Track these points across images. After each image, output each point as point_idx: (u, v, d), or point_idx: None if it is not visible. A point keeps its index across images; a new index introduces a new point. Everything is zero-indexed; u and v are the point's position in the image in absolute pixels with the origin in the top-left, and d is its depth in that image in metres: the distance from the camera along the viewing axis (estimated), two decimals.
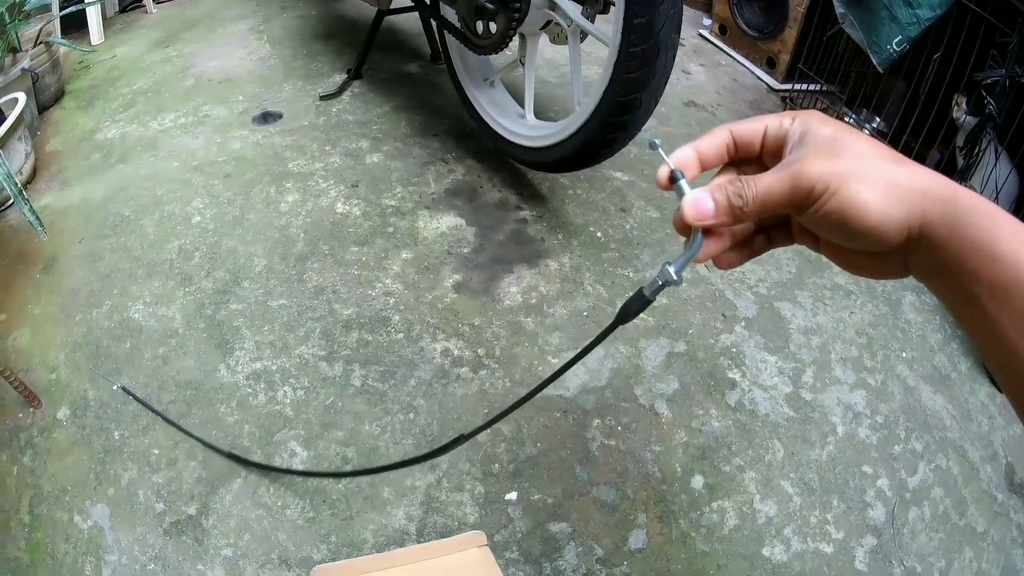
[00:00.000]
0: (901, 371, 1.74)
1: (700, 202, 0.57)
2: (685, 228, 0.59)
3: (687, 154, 0.59)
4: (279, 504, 1.46)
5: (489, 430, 1.53)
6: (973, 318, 0.50)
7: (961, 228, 0.49)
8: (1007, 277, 0.47)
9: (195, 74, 2.90)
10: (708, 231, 0.59)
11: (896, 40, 2.05)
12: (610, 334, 0.69)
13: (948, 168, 2.04)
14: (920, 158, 2.10)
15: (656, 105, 1.73)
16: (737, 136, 0.59)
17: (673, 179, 0.58)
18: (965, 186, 1.50)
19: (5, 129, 2.13)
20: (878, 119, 2.41)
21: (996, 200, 1.84)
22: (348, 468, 1.51)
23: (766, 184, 0.53)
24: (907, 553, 1.43)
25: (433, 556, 1.22)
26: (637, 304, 0.66)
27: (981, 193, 1.82)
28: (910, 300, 1.94)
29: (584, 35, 1.84)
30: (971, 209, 0.50)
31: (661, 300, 1.81)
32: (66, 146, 2.53)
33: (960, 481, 1.56)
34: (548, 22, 1.91)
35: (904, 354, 1.79)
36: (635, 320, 1.65)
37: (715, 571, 1.37)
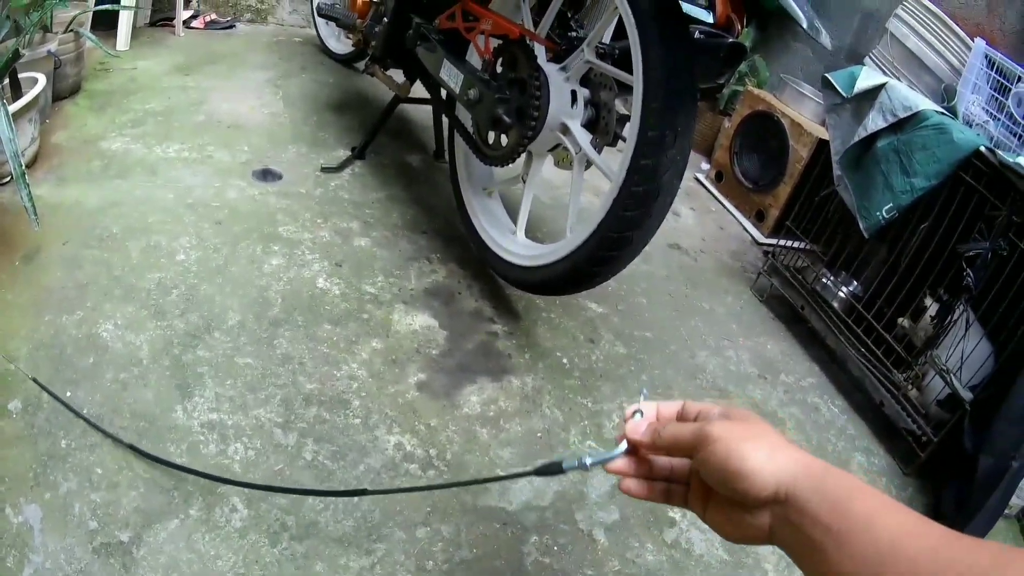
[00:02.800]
0: None
1: (637, 424, 0.86)
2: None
3: (652, 407, 0.89)
4: (212, 554, 1.54)
5: (429, 527, 1.66)
6: (819, 565, 0.65)
7: (823, 490, 0.67)
8: (854, 530, 0.62)
9: (207, 111, 3.08)
10: (633, 452, 0.87)
11: (887, 207, 2.22)
12: (519, 477, 1.00)
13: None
14: (891, 325, 2.30)
15: (645, 246, 1.91)
16: (686, 407, 0.87)
17: (633, 413, 0.89)
18: (931, 354, 1.71)
19: (21, 105, 2.25)
20: (855, 283, 2.61)
21: (960, 369, 2.03)
22: (286, 538, 1.62)
23: (680, 427, 0.80)
24: None
25: None
26: (553, 468, 0.93)
27: (946, 361, 2.04)
28: (859, 460, 2.12)
29: (588, 164, 2.04)
30: (836, 479, 0.69)
31: (614, 433, 1.97)
32: (70, 144, 2.66)
33: None
34: (557, 145, 2.12)
35: None
36: (586, 447, 1.81)
37: None
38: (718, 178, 3.37)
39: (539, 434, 1.93)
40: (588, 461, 0.87)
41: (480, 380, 2.05)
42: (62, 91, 2.95)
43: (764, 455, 0.71)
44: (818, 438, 2.13)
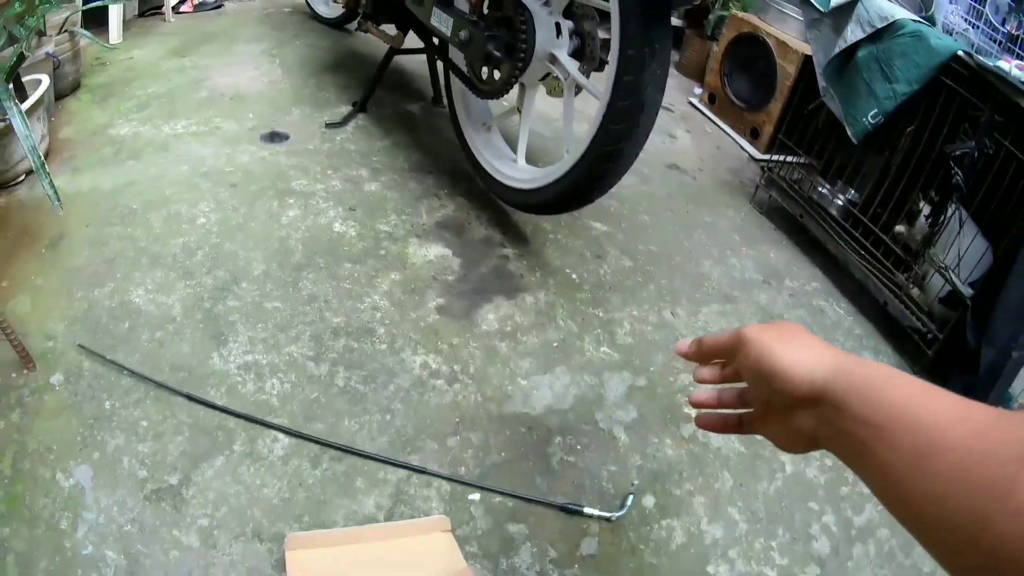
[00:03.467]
0: None
1: (684, 340, 0.88)
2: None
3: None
4: (258, 483, 1.63)
5: (459, 436, 1.74)
6: (864, 461, 0.60)
7: (856, 383, 0.63)
8: (891, 419, 0.57)
9: (208, 87, 3.12)
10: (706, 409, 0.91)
11: (872, 113, 2.27)
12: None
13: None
14: (888, 229, 2.33)
15: (636, 158, 1.97)
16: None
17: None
18: (929, 252, 1.74)
19: (30, 104, 2.30)
20: (852, 191, 2.64)
21: (958, 267, 2.07)
22: (326, 459, 1.69)
23: (719, 334, 0.81)
24: None
25: (400, 536, 1.41)
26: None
27: (945, 258, 2.07)
28: (868, 359, 2.13)
29: (578, 90, 2.09)
30: (868, 369, 0.65)
31: (627, 339, 2.04)
32: (79, 136, 2.72)
33: None
34: (547, 74, 2.16)
35: None
36: (600, 352, 1.87)
37: None
38: (711, 100, 3.39)
39: (555, 344, 1.99)
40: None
41: (496, 299, 2.11)
42: (63, 89, 2.99)
43: (795, 354, 0.70)
44: (826, 338, 2.14)
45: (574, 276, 2.22)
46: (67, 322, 1.92)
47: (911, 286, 2.21)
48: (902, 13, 2.25)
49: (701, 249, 2.46)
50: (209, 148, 2.67)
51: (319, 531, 1.39)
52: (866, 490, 1.68)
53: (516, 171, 2.28)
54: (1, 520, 1.52)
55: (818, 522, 1.69)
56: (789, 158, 2.76)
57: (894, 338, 2.21)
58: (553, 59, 2.06)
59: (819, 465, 1.81)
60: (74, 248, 2.15)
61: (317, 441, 1.70)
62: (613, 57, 1.83)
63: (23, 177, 2.42)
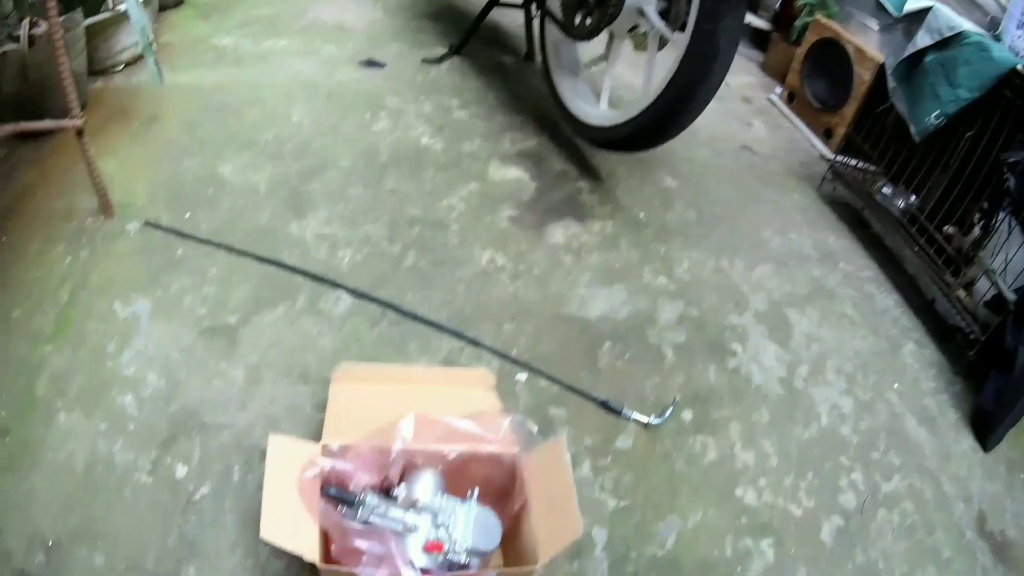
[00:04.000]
0: (890, 397, 1.93)
1: None
2: None
3: None
4: (314, 333, 1.70)
5: (515, 323, 1.79)
6: None
7: None
8: None
9: (311, 17, 3.21)
10: None
11: (935, 114, 2.30)
12: None
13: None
14: (942, 229, 2.32)
15: (707, 103, 2.03)
16: None
17: None
18: (978, 256, 1.72)
19: None
20: (913, 196, 2.64)
21: (1004, 272, 2.07)
22: (384, 323, 1.75)
23: None
24: (871, 546, 1.57)
25: (446, 381, 1.46)
26: None
27: (992, 262, 2.08)
28: (911, 348, 2.13)
29: (662, 44, 2.16)
30: None
31: (684, 276, 2.07)
32: (181, 43, 2.81)
33: (932, 506, 1.69)
34: (634, 27, 2.23)
35: (895, 386, 1.97)
36: (658, 281, 1.91)
37: (689, 492, 1.56)
38: (790, 99, 3.41)
39: (616, 266, 2.04)
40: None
41: (565, 220, 2.17)
42: (167, 2, 3.06)
43: None
44: (873, 321, 2.18)
45: (641, 215, 2.27)
46: (151, 183, 2.01)
47: (959, 287, 2.21)
48: (968, 25, 2.30)
49: (763, 220, 2.48)
50: (308, 64, 2.76)
51: (368, 364, 1.44)
52: (897, 459, 1.77)
53: (598, 111, 2.34)
54: (45, 339, 1.58)
55: (847, 477, 1.69)
56: (859, 163, 2.77)
57: (938, 335, 2.20)
58: (641, 13, 2.12)
59: (853, 427, 1.81)
60: (167, 128, 2.25)
61: (381, 302, 1.77)
62: (693, 9, 1.91)
63: (122, 67, 2.52)
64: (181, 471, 1.41)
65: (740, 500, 1.58)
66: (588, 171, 2.44)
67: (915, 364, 2.08)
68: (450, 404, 1.33)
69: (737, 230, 2.37)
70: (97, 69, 2.45)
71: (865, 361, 2.01)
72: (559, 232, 2.12)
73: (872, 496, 1.67)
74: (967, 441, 1.90)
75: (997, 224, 2.16)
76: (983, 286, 2.18)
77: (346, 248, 1.92)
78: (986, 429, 1.92)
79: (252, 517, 1.06)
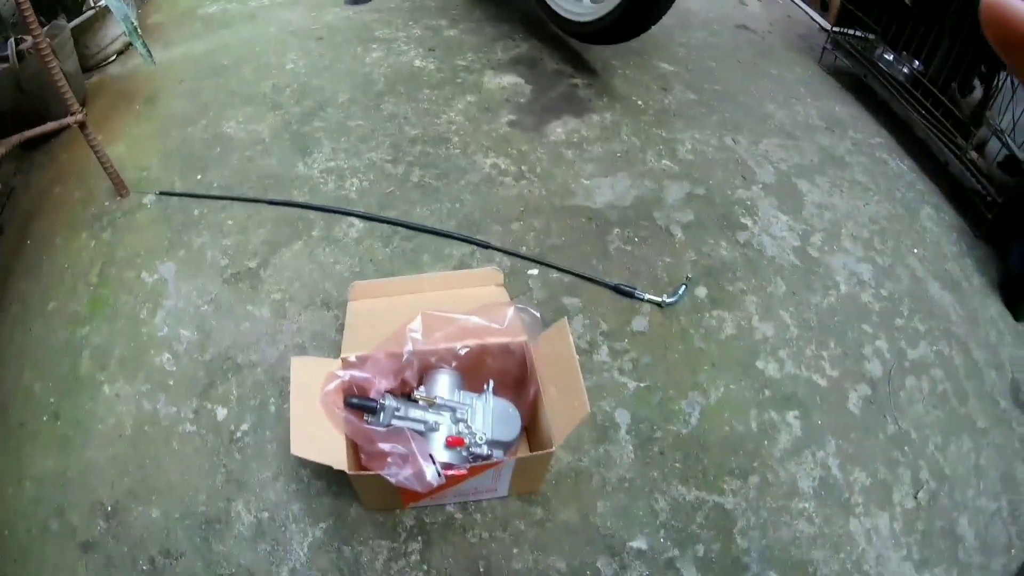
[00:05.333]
0: (911, 262, 1.80)
1: None
2: None
3: None
4: (331, 261, 1.64)
5: (522, 222, 1.71)
6: None
7: None
8: None
9: None
10: None
11: None
12: None
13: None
14: (946, 91, 2.15)
15: None
16: None
17: None
18: (985, 115, 1.55)
19: None
20: (916, 62, 2.47)
21: (1012, 132, 1.90)
22: (396, 239, 1.69)
23: None
24: (902, 415, 1.48)
25: (456, 284, 1.39)
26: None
27: (1000, 122, 1.92)
28: (928, 212, 1.99)
29: None
30: None
31: (688, 156, 1.96)
32: (168, 19, 2.72)
33: (962, 373, 1.58)
34: None
35: (916, 251, 1.84)
36: (661, 164, 1.80)
37: (709, 368, 1.48)
38: None
39: (618, 154, 1.93)
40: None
41: (564, 117, 2.05)
42: None
43: None
44: (887, 186, 2.04)
45: (639, 103, 2.14)
46: (161, 155, 1.96)
47: (970, 149, 2.06)
48: None
49: (765, 94, 2.33)
50: (295, 13, 2.65)
51: (382, 279, 1.38)
52: (922, 326, 1.62)
53: (581, 7, 2.19)
54: (82, 321, 1.57)
55: (871, 344, 1.58)
56: (858, 32, 2.59)
57: (955, 199, 2.05)
58: None
59: (874, 293, 1.69)
60: (168, 100, 2.18)
61: (390, 221, 1.71)
62: None
63: (114, 57, 2.44)
64: (221, 413, 1.41)
65: (762, 373, 1.50)
66: (582, 67, 2.30)
67: (935, 228, 1.95)
68: (462, 305, 1.27)
69: (740, 107, 2.22)
70: (91, 65, 2.39)
71: (882, 227, 1.88)
72: (559, 129, 2.01)
73: (899, 364, 1.57)
74: (995, 307, 1.79)
75: (1000, 84, 1.99)
76: (995, 147, 2.01)
77: (352, 177, 1.84)
78: (1017, 297, 1.79)
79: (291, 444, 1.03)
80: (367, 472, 1.08)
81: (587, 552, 1.23)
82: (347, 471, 1.07)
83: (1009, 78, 1.94)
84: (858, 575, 1.26)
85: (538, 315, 1.21)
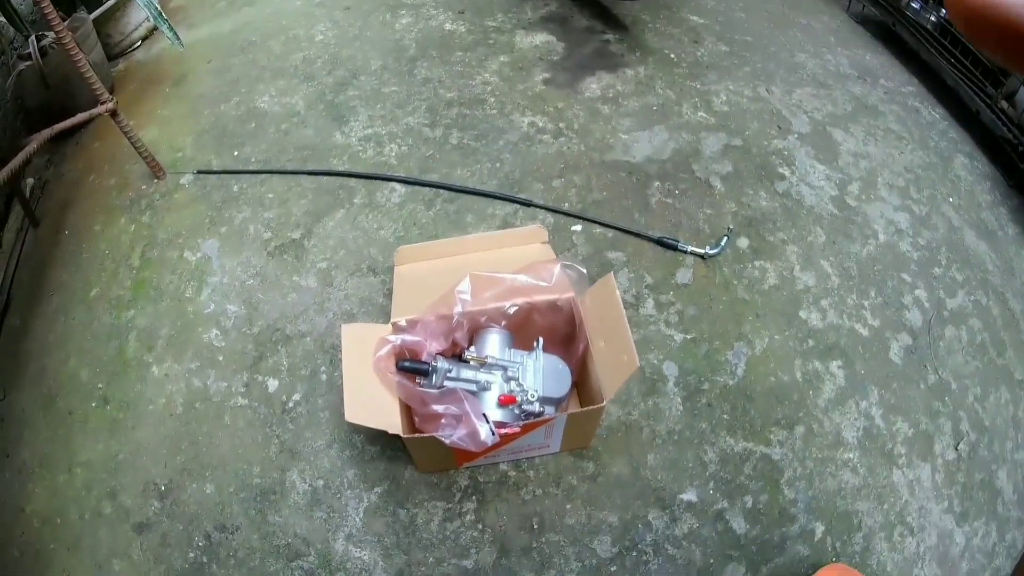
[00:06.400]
0: (946, 211, 1.70)
1: None
2: None
3: None
4: (375, 227, 1.59)
5: (563, 179, 1.63)
6: None
7: None
8: None
9: None
10: None
11: None
12: None
13: None
14: None
15: None
16: None
17: None
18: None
19: None
20: (944, 10, 2.32)
21: None
22: (439, 202, 1.63)
23: None
24: (942, 365, 1.41)
25: (501, 244, 1.32)
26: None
27: None
28: (962, 160, 1.88)
29: None
30: None
31: (723, 108, 1.86)
32: (190, 1, 2.61)
33: (999, 323, 1.51)
34: None
35: (951, 199, 1.74)
36: (697, 116, 1.71)
37: (753, 319, 1.41)
38: None
39: (654, 108, 1.84)
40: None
41: (598, 73, 1.96)
42: None
43: None
44: (920, 135, 1.93)
45: (672, 56, 2.04)
46: (195, 135, 1.90)
47: (1001, 99, 1.93)
48: None
49: (796, 43, 2.22)
50: None
51: (425, 243, 1.32)
52: (959, 275, 1.50)
53: None
54: (126, 305, 1.52)
55: (910, 294, 1.51)
56: None
57: (988, 147, 1.94)
58: None
59: (912, 242, 1.61)
60: (198, 80, 2.10)
61: (431, 184, 1.64)
62: None
63: (138, 44, 2.36)
64: (273, 385, 1.37)
65: (805, 323, 1.43)
66: (613, 23, 2.19)
67: (968, 177, 1.84)
68: (507, 264, 1.21)
69: (771, 57, 2.11)
70: (115, 53, 2.31)
71: (916, 175, 1.78)
72: (593, 85, 1.91)
73: (938, 314, 1.49)
74: None
75: None
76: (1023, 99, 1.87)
77: (391, 143, 1.77)
78: None
79: (343, 411, 0.99)
80: (422, 435, 1.03)
81: (638, 506, 1.19)
82: (402, 435, 1.03)
83: None
84: (901, 527, 1.21)
85: (584, 271, 1.15)
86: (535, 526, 1.17)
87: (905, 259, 1.58)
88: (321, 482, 1.23)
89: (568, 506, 1.18)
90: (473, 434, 0.97)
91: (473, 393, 1.10)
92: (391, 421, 1.03)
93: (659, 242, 1.51)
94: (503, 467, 1.22)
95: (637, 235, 1.53)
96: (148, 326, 1.49)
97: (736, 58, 2.06)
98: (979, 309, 1.52)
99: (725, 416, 1.28)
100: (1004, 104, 1.90)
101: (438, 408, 1.02)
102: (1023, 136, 1.82)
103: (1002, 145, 1.89)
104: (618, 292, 1.06)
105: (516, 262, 1.21)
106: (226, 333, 1.45)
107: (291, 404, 1.33)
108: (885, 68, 2.21)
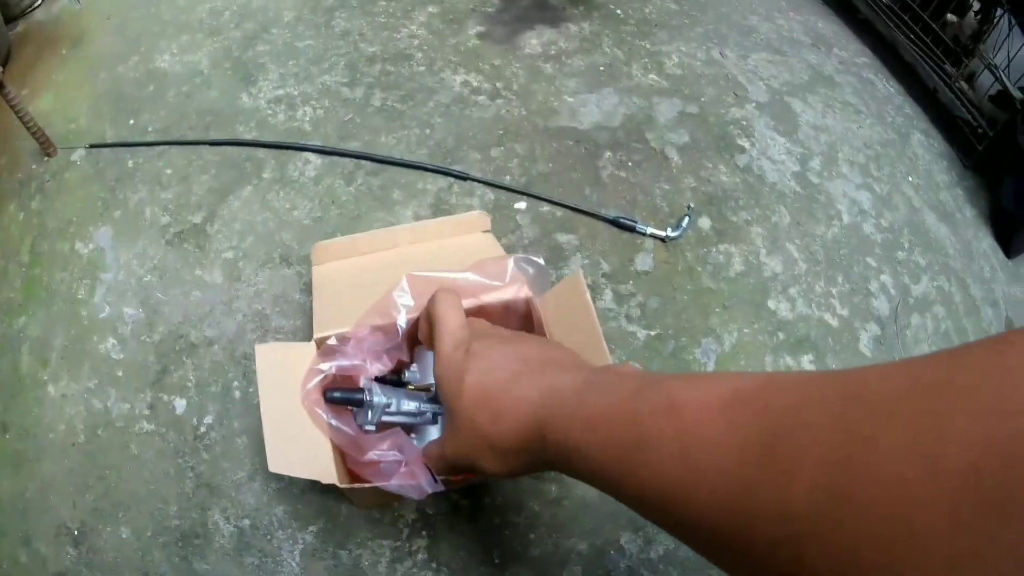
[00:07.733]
0: (906, 191, 1.59)
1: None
2: None
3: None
4: (287, 206, 1.34)
5: (503, 147, 1.41)
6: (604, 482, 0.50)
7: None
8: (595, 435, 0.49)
9: None
10: None
11: None
12: None
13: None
14: (938, 17, 1.89)
15: None
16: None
17: None
18: (979, 48, 1.34)
19: None
20: None
21: (1007, 69, 1.68)
22: (361, 175, 1.38)
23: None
24: (909, 355, 1.26)
25: (437, 235, 1.09)
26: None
27: (994, 58, 1.68)
28: (918, 138, 1.77)
29: None
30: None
31: (676, 71, 1.67)
32: None
33: (962, 310, 1.44)
34: None
35: (910, 178, 1.63)
36: (648, 79, 1.52)
37: (721, 310, 1.25)
38: None
39: (601, 67, 1.63)
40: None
41: (538, 27, 1.72)
42: None
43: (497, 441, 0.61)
44: (877, 109, 1.79)
45: (619, 11, 1.82)
46: (90, 102, 1.61)
47: (960, 79, 1.81)
48: None
49: (747, 5, 2.03)
50: None
51: (348, 237, 1.07)
52: (922, 259, 1.24)
53: None
54: (17, 310, 1.27)
55: (876, 280, 1.39)
56: None
57: (944, 126, 1.83)
58: None
59: (875, 224, 1.48)
60: (96, 39, 1.80)
61: (352, 154, 1.39)
62: None
63: (39, 2, 2.02)
64: (180, 405, 1.12)
65: (774, 314, 1.27)
66: None
67: (926, 155, 1.73)
68: (448, 258, 1.00)
69: (723, 18, 1.92)
70: (15, 14, 1.95)
71: (876, 152, 1.65)
72: (534, 40, 1.68)
73: (903, 301, 1.38)
74: (987, 240, 1.63)
75: (996, 20, 1.73)
76: (986, 80, 1.77)
77: (304, 105, 1.51)
78: (1008, 233, 1.64)
79: (264, 436, 0.76)
80: (363, 485, 0.80)
81: (609, 529, 1.01)
82: (337, 484, 0.79)
83: (1006, 15, 1.70)
84: None
85: (542, 262, 0.93)
86: (496, 560, 0.98)
87: (870, 242, 1.45)
88: (247, 522, 1.01)
89: (532, 535, 1.00)
90: (415, 486, 0.75)
91: (417, 426, 0.87)
92: (324, 469, 0.80)
93: (615, 223, 1.31)
94: (453, 496, 1.02)
95: (590, 215, 1.32)
96: (42, 336, 1.23)
97: (686, 17, 1.86)
98: (942, 295, 1.43)
99: None
100: (963, 84, 1.80)
101: (373, 456, 0.79)
102: (983, 119, 1.73)
103: (960, 125, 1.79)
104: (588, 295, 0.84)
105: (457, 255, 1.00)
106: (124, 342, 1.20)
107: (203, 428, 1.09)
108: (838, 36, 2.07)
